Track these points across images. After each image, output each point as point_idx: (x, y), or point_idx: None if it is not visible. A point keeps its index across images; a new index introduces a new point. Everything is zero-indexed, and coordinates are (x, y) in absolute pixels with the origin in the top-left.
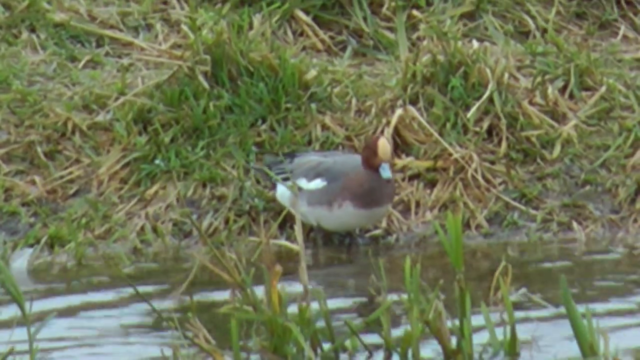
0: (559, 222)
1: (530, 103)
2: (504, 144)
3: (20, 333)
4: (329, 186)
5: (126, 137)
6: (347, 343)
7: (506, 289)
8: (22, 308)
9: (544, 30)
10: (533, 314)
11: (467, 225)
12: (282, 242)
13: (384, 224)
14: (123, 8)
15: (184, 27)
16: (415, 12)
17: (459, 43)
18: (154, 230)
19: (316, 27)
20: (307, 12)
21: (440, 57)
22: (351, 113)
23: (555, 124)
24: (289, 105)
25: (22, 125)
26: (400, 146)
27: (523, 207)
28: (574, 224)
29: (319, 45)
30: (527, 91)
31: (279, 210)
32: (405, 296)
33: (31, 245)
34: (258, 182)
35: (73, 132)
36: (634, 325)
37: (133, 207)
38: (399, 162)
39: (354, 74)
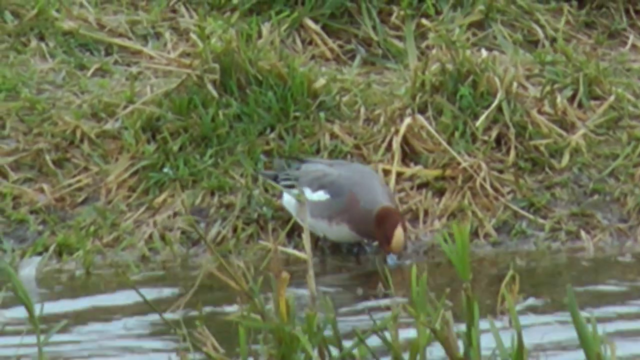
0: (568, 231)
1: (539, 112)
2: (512, 153)
3: (31, 339)
4: (331, 201)
5: (135, 145)
6: (355, 351)
7: (512, 298)
8: (31, 315)
9: (553, 40)
10: (541, 321)
11: (475, 234)
12: (290, 250)
13: None
14: (132, 16)
15: (193, 36)
16: (424, 21)
17: (468, 52)
18: (162, 238)
19: (325, 36)
20: (316, 21)
21: (449, 66)
22: (360, 122)
23: (564, 133)
24: (297, 113)
25: (31, 133)
26: (409, 155)
27: (531, 216)
28: (582, 233)
29: (328, 54)
30: (535, 100)
31: (287, 219)
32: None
33: (39, 253)
34: (266, 190)
35: (81, 140)
36: None
37: (141, 215)
38: (407, 171)
39: (362, 83)
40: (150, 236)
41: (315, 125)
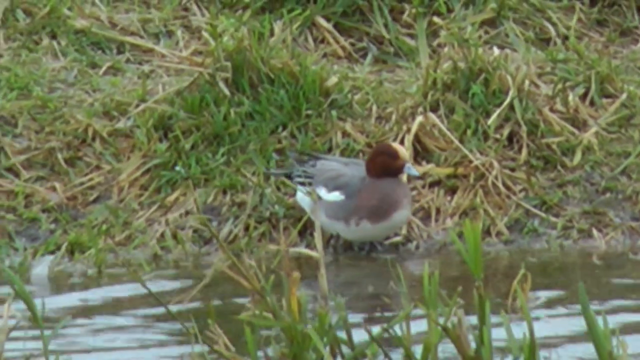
0: (580, 229)
1: (551, 110)
2: (524, 151)
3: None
4: (346, 202)
5: (146, 143)
6: (367, 350)
7: (524, 297)
8: (34, 314)
9: (565, 37)
10: (552, 318)
11: (487, 232)
12: (302, 249)
13: (404, 231)
14: (144, 15)
15: (205, 34)
16: (436, 19)
17: (480, 50)
18: (174, 237)
19: (337, 34)
20: (327, 19)
21: (461, 64)
22: (372, 120)
23: (576, 131)
24: (309, 112)
25: (43, 131)
26: (421, 153)
27: (543, 215)
28: (594, 231)
29: (340, 52)
30: (547, 98)
31: (299, 217)
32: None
33: (51, 252)
34: (278, 188)
35: (93, 139)
36: None
37: (153, 214)
38: (419, 169)
39: (374, 81)
40: (162, 235)
41: (327, 124)
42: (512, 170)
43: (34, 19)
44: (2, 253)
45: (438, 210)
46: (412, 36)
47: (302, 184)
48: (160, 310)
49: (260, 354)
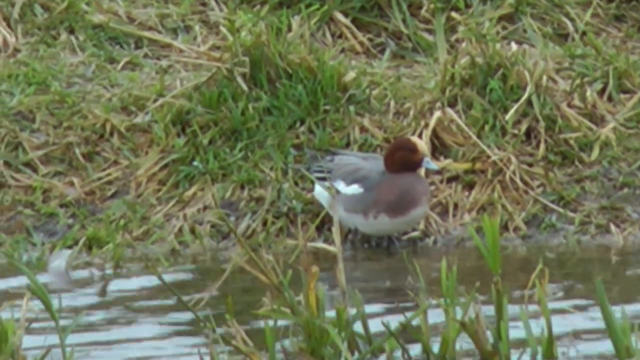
0: (597, 224)
1: (569, 105)
2: (542, 147)
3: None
4: (364, 194)
5: (164, 138)
6: (385, 345)
7: (543, 292)
8: (50, 310)
9: (583, 33)
10: (570, 314)
11: (505, 227)
12: (320, 244)
13: (421, 226)
14: (162, 10)
15: (223, 29)
16: (454, 14)
17: (498, 45)
18: (192, 232)
19: (355, 29)
20: (345, 14)
21: (479, 60)
22: (389, 115)
23: (594, 127)
24: (327, 107)
25: (61, 126)
26: (439, 148)
27: (561, 210)
28: (612, 227)
29: (358, 48)
30: (565, 94)
31: (317, 212)
32: (442, 298)
33: (69, 247)
34: (296, 183)
35: (111, 134)
36: None
37: (171, 209)
38: (437, 164)
39: (392, 76)
40: (180, 230)
41: (345, 119)
42: (530, 165)
43: (51, 14)
44: (20, 248)
45: (456, 206)
46: (430, 31)
47: (321, 178)
48: (174, 300)
49: (277, 346)
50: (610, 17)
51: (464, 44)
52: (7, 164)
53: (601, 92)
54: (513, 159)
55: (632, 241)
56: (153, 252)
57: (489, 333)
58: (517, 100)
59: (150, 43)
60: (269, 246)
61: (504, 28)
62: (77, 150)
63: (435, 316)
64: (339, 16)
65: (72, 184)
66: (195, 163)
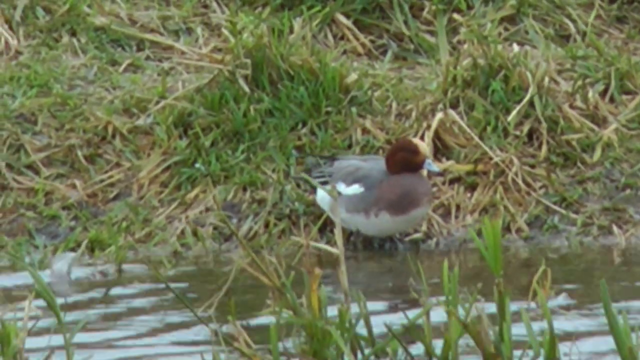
0: (600, 225)
1: (571, 107)
2: (544, 148)
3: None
4: (365, 193)
5: (166, 140)
6: (388, 347)
7: (544, 294)
8: (57, 315)
9: (585, 34)
10: (573, 316)
11: (507, 229)
12: (322, 245)
13: (424, 228)
14: (163, 12)
15: (225, 31)
16: (455, 16)
17: (500, 47)
18: (194, 234)
19: (357, 31)
20: (347, 16)
21: (481, 61)
22: (391, 117)
23: (596, 128)
24: (329, 109)
25: (63, 129)
26: (441, 150)
27: (563, 211)
28: (614, 228)
29: (360, 49)
30: (567, 95)
31: (319, 214)
32: (444, 300)
33: (72, 249)
34: (298, 185)
35: (113, 136)
36: None
37: (173, 211)
38: (439, 166)
39: (394, 78)
40: (183, 232)
41: (347, 121)
42: (532, 167)
43: (53, 17)
44: (22, 250)
45: (458, 207)
46: (432, 33)
47: (322, 183)
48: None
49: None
50: (612, 18)
51: (465, 46)
52: (9, 166)
53: (603, 94)
54: (515, 160)
55: (635, 242)
56: (155, 254)
57: (491, 334)
58: (519, 102)
59: (152, 45)
60: (271, 248)
61: (506, 29)
62: (79, 153)
63: (438, 317)
64: (341, 18)
65: (74, 186)
66: (197, 165)
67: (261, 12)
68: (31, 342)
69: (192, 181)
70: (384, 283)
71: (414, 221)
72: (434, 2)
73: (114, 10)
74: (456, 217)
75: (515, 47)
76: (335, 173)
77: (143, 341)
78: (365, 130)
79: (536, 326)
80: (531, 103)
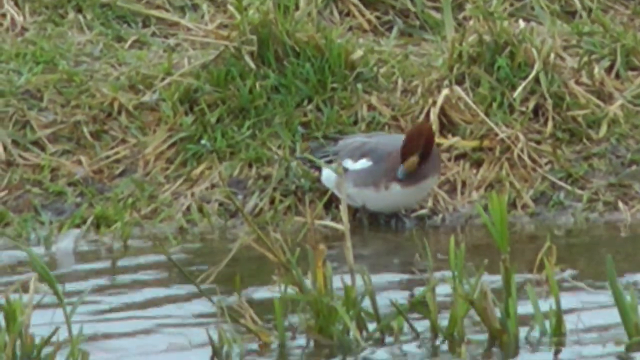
0: (605, 202)
1: (577, 83)
2: (550, 124)
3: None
4: (374, 167)
5: (172, 117)
6: (393, 324)
7: (551, 269)
8: (57, 294)
9: (590, 10)
10: (579, 292)
11: (513, 205)
12: (328, 222)
13: (429, 204)
14: None
15: (230, 8)
16: None
17: (505, 23)
18: (200, 210)
19: (362, 7)
20: None
21: (487, 37)
22: (397, 93)
23: (602, 104)
24: (335, 85)
25: (69, 105)
26: (447, 126)
27: (569, 187)
28: (620, 204)
29: (365, 26)
30: (573, 71)
31: (324, 190)
32: (450, 276)
33: (77, 226)
34: (304, 163)
35: (119, 113)
36: None
37: (179, 187)
38: (445, 142)
39: (400, 54)
40: (188, 208)
41: (353, 97)
42: (538, 143)
43: None
44: (28, 226)
45: (464, 183)
46: (437, 9)
47: (328, 162)
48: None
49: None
50: None
51: (471, 22)
52: (15, 142)
53: (609, 70)
54: (521, 136)
55: None
56: (161, 231)
57: (497, 310)
58: (524, 78)
59: (158, 21)
60: (276, 224)
61: (512, 5)
62: (85, 129)
63: (444, 294)
64: None
65: (80, 162)
66: (203, 141)
67: None
68: (38, 318)
69: (197, 157)
70: (390, 259)
71: (424, 192)
72: None
73: None
74: (462, 193)
75: (521, 24)
76: (341, 151)
77: (148, 318)
78: (371, 107)
79: (542, 302)
80: (537, 79)
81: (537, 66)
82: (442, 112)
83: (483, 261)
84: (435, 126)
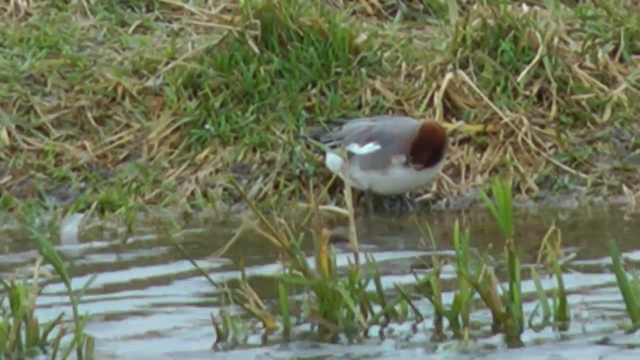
0: (610, 185)
1: (580, 67)
2: (554, 108)
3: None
4: (383, 149)
5: (176, 102)
6: (397, 307)
7: (555, 253)
8: (64, 279)
9: None
10: (583, 276)
11: (517, 189)
12: (332, 207)
13: (434, 189)
14: None
15: None
16: None
17: (509, 7)
18: (204, 195)
19: None
20: None
21: (490, 21)
22: (401, 77)
23: (606, 88)
24: (339, 69)
25: (73, 90)
26: (450, 110)
27: (573, 171)
28: (624, 188)
29: (369, 10)
30: (577, 55)
31: (328, 175)
32: (455, 260)
33: (82, 211)
34: (308, 146)
35: (123, 97)
36: None
37: (183, 172)
38: (449, 127)
39: (404, 38)
40: (192, 193)
41: (357, 81)
42: (542, 127)
43: None
44: (32, 212)
45: (468, 168)
46: None
47: (333, 147)
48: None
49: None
50: None
51: (475, 6)
52: (19, 127)
53: (613, 53)
54: (525, 120)
55: None
56: (165, 216)
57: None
58: (528, 62)
59: (161, 6)
60: (281, 209)
61: None
62: (89, 114)
63: (448, 278)
64: None
65: (84, 147)
66: (207, 126)
67: None
68: (41, 300)
69: (201, 142)
70: (394, 243)
71: (431, 175)
72: None
73: None
74: (466, 177)
75: (525, 7)
76: (346, 136)
77: (152, 302)
78: (374, 91)
79: (546, 285)
80: (541, 63)
81: (541, 50)
82: (446, 96)
83: (488, 245)
84: (439, 110)
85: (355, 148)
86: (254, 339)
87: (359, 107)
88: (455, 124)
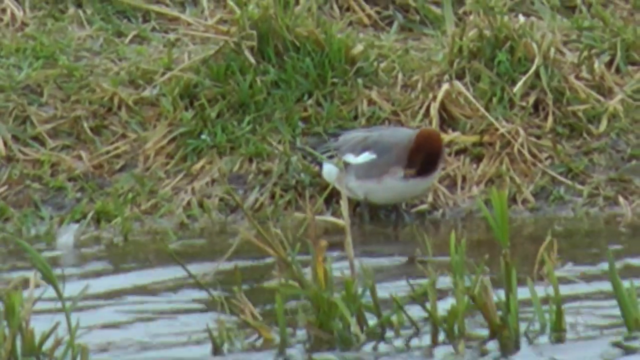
0: (605, 196)
1: (577, 78)
2: (550, 119)
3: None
4: (378, 159)
5: (172, 112)
6: (394, 318)
7: (552, 264)
8: (57, 290)
9: (590, 5)
10: (579, 287)
11: (513, 199)
12: (328, 217)
13: (430, 199)
14: None
15: (230, 2)
16: None
17: (506, 18)
18: (201, 205)
19: (362, 2)
20: None
21: (487, 32)
22: (397, 88)
23: (602, 99)
24: (335, 80)
25: (69, 100)
26: (447, 121)
27: (569, 182)
28: (620, 199)
29: (366, 20)
30: (573, 66)
31: (325, 185)
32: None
33: (77, 221)
34: (304, 157)
35: (119, 107)
36: None
37: (179, 182)
38: (445, 137)
39: (400, 49)
40: (189, 203)
41: (353, 92)
42: (538, 137)
43: None
44: (28, 222)
45: (464, 178)
46: (437, 4)
47: (330, 157)
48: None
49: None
50: None
51: (471, 17)
52: (15, 137)
53: (609, 64)
54: (521, 131)
55: None
56: (161, 226)
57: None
58: (524, 73)
59: (158, 16)
60: (277, 219)
61: (512, 0)
62: (85, 124)
63: (445, 289)
64: None
65: (80, 157)
66: (203, 136)
67: None
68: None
69: (198, 152)
70: (390, 254)
71: (427, 184)
72: None
73: None
74: (462, 188)
75: (521, 18)
76: (342, 146)
77: (148, 313)
78: (371, 102)
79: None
80: (537, 74)
81: (537, 61)
82: (443, 107)
83: (484, 256)
84: (435, 121)
85: (351, 158)
86: (249, 348)
87: (355, 117)
88: (452, 135)
